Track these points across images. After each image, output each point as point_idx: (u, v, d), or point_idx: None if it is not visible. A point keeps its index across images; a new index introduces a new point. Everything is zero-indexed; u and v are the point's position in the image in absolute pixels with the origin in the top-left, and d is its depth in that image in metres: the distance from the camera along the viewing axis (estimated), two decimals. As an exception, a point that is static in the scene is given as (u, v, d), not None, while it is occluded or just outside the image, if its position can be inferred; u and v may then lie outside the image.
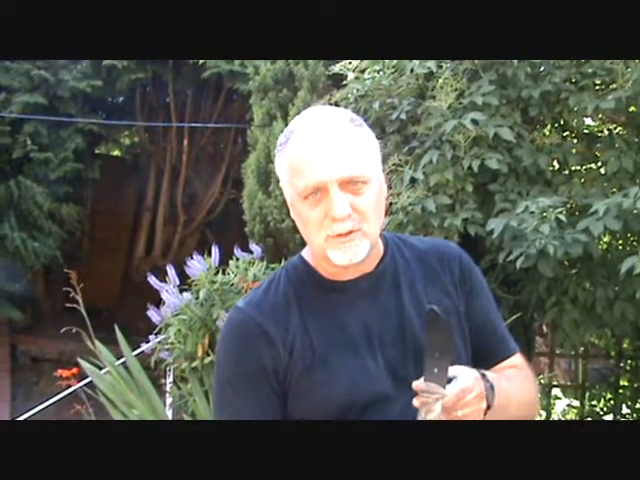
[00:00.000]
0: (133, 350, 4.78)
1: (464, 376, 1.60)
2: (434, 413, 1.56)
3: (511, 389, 1.76)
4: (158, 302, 4.87)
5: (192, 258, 4.86)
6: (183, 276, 4.88)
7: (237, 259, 4.91)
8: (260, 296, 1.77)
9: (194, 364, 4.44)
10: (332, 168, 1.62)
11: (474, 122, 4.09)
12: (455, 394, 1.56)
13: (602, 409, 6.21)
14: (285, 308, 1.73)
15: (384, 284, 1.78)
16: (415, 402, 1.57)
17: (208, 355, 4.41)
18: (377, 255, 1.78)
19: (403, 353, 1.72)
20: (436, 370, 1.57)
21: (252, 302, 1.77)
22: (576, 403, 6.43)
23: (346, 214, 1.62)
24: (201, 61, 9.95)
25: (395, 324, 1.74)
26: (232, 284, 4.66)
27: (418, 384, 1.57)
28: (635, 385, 6.06)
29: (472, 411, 1.60)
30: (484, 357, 1.82)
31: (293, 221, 1.76)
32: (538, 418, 5.63)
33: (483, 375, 1.65)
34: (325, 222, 1.64)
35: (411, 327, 1.74)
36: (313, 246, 1.73)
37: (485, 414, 1.63)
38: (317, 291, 1.76)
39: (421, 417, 1.57)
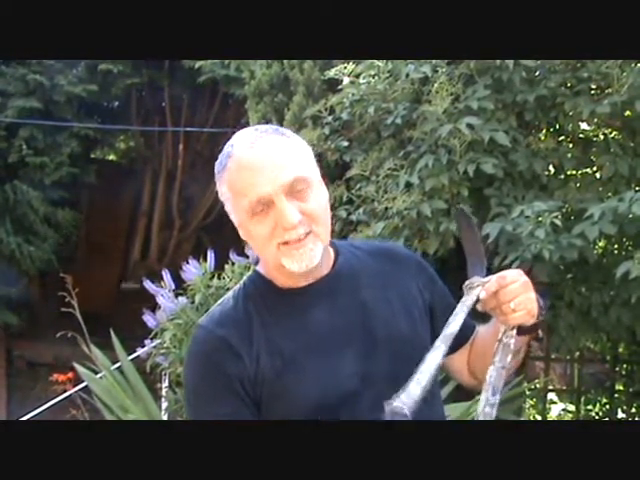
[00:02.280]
0: (129, 354, 4.78)
1: (501, 272, 1.72)
2: (474, 294, 1.71)
3: None
4: (154, 307, 4.87)
5: (188, 262, 4.85)
6: (179, 280, 4.88)
7: (233, 263, 4.90)
8: (221, 312, 1.80)
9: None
10: (273, 179, 1.66)
11: (469, 126, 4.09)
12: (495, 279, 1.69)
13: (597, 413, 6.22)
14: (247, 321, 1.76)
15: (341, 284, 1.81)
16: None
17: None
18: (329, 259, 1.82)
19: (369, 348, 1.75)
20: (475, 265, 1.73)
21: (214, 319, 1.79)
22: (572, 407, 6.43)
23: (297, 221, 1.66)
24: (196, 66, 9.96)
25: (358, 321, 1.78)
26: (228, 288, 4.64)
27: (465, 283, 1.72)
28: (631, 390, 6.06)
29: (523, 300, 1.69)
30: (464, 334, 1.87)
31: None
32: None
33: None
34: (276, 231, 1.68)
35: (374, 322, 1.78)
36: (267, 258, 1.77)
37: (538, 318, 1.73)
38: (277, 299, 1.79)
39: (462, 301, 1.71)
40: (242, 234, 1.79)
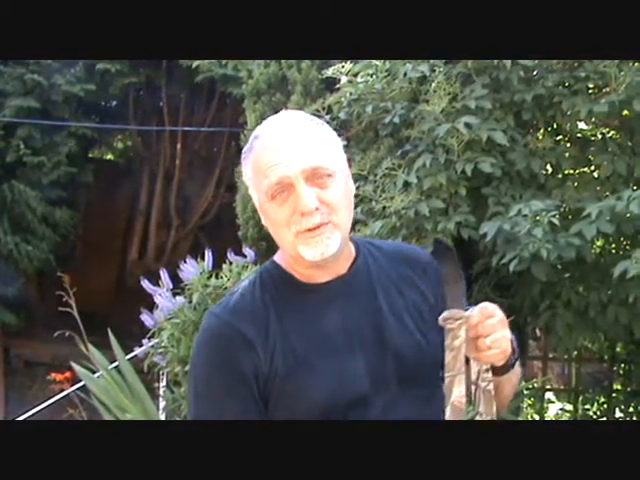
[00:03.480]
0: (126, 354, 4.78)
1: (483, 303, 1.64)
2: (460, 338, 1.60)
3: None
4: (151, 306, 4.87)
5: (185, 262, 4.86)
6: (176, 280, 4.88)
7: (230, 263, 4.90)
8: (236, 301, 1.75)
9: (187, 368, 4.43)
10: (295, 162, 1.65)
11: (467, 126, 4.09)
12: (478, 311, 1.61)
13: (595, 413, 6.21)
14: (263, 313, 1.71)
15: (359, 285, 1.78)
16: (443, 324, 1.61)
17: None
18: (349, 257, 1.79)
19: (381, 354, 1.72)
20: (455, 296, 1.63)
21: (228, 308, 1.75)
22: (569, 407, 6.43)
23: (314, 207, 1.64)
24: (194, 65, 9.94)
25: (372, 325, 1.74)
26: (225, 288, 4.65)
27: (443, 314, 1.61)
28: (628, 389, 6.06)
29: (500, 338, 1.61)
30: None
31: None
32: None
33: None
34: (294, 217, 1.66)
35: (388, 327, 1.74)
36: (284, 245, 1.74)
37: (509, 360, 1.68)
38: (293, 294, 1.75)
39: (447, 343, 1.60)
40: (262, 219, 1.77)
